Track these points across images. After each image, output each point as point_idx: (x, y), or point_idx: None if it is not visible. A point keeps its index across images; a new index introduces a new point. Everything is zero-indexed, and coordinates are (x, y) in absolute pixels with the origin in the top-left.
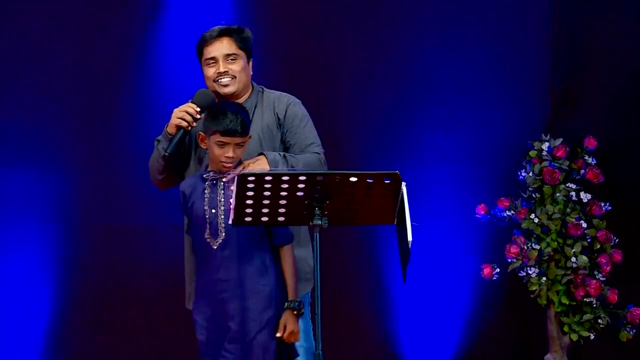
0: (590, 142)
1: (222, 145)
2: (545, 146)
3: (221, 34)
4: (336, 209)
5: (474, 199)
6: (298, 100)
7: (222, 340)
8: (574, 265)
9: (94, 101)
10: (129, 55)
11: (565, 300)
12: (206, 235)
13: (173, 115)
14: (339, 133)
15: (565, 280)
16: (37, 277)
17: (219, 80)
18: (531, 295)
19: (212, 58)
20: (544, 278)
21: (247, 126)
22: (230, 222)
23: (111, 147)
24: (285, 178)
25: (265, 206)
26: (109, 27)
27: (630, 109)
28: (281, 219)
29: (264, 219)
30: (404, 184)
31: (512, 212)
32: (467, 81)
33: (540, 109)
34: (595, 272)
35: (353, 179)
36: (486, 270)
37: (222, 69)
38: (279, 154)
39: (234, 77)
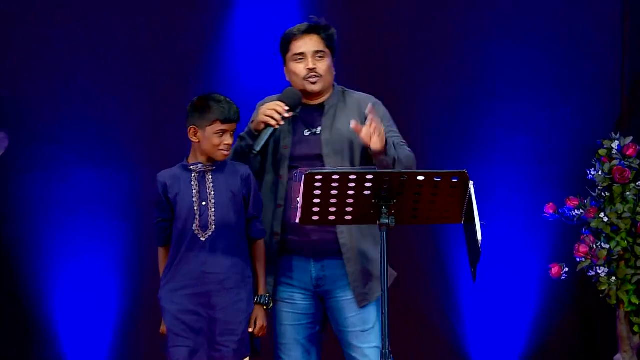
0: None
1: (222, 133)
2: (615, 144)
3: (310, 31)
4: (403, 208)
5: (542, 197)
6: (378, 100)
7: (199, 333)
8: None
9: (164, 102)
10: (201, 56)
11: (635, 300)
12: (194, 227)
13: (260, 112)
14: (406, 131)
15: (635, 279)
16: (108, 274)
17: (309, 78)
18: (600, 295)
19: (301, 54)
20: (614, 277)
21: (239, 112)
22: (297, 220)
23: (181, 147)
24: (352, 177)
25: (333, 205)
26: (179, 27)
27: None
28: (348, 217)
29: (331, 217)
30: (471, 182)
31: (581, 211)
32: (536, 79)
33: (610, 107)
34: None
35: (420, 177)
36: (555, 270)
37: (311, 65)
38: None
39: (320, 75)
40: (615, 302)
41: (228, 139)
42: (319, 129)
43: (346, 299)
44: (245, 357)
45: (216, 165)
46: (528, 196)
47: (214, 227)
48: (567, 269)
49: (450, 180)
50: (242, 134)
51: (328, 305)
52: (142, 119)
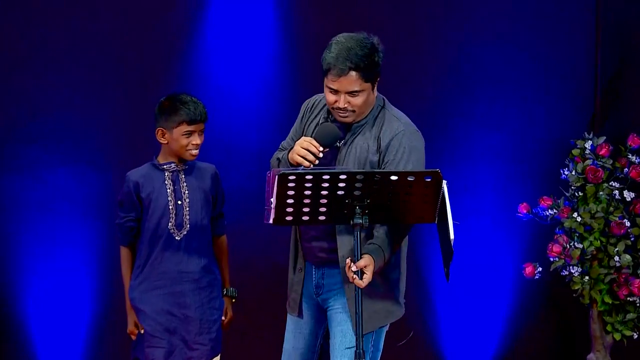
0: (634, 141)
1: (189, 134)
2: (588, 144)
3: (351, 69)
4: (377, 208)
5: (516, 197)
6: (413, 130)
7: (174, 333)
8: (617, 264)
9: (139, 102)
10: (177, 57)
11: (608, 300)
12: (170, 226)
13: (295, 149)
14: None
15: (608, 279)
16: (81, 275)
17: (337, 113)
18: (574, 295)
19: (335, 90)
20: (587, 277)
21: (206, 111)
22: (270, 221)
23: (154, 146)
24: (325, 177)
25: (306, 205)
26: (155, 28)
27: None
28: (322, 218)
29: (305, 218)
30: (445, 182)
31: (555, 210)
32: (510, 79)
33: (583, 107)
34: (639, 271)
35: (394, 177)
36: (528, 269)
37: (342, 105)
38: (381, 255)
39: (353, 110)
40: (588, 301)
41: (196, 139)
42: (341, 143)
43: (334, 307)
44: (218, 354)
45: (188, 165)
46: (502, 196)
47: (188, 226)
48: (540, 269)
49: (423, 180)
50: (281, 156)
51: (327, 315)
52: (117, 119)
